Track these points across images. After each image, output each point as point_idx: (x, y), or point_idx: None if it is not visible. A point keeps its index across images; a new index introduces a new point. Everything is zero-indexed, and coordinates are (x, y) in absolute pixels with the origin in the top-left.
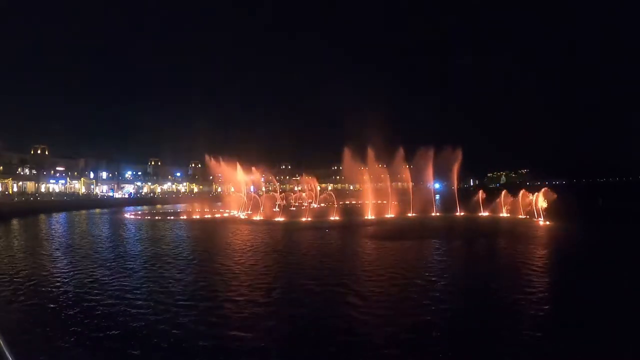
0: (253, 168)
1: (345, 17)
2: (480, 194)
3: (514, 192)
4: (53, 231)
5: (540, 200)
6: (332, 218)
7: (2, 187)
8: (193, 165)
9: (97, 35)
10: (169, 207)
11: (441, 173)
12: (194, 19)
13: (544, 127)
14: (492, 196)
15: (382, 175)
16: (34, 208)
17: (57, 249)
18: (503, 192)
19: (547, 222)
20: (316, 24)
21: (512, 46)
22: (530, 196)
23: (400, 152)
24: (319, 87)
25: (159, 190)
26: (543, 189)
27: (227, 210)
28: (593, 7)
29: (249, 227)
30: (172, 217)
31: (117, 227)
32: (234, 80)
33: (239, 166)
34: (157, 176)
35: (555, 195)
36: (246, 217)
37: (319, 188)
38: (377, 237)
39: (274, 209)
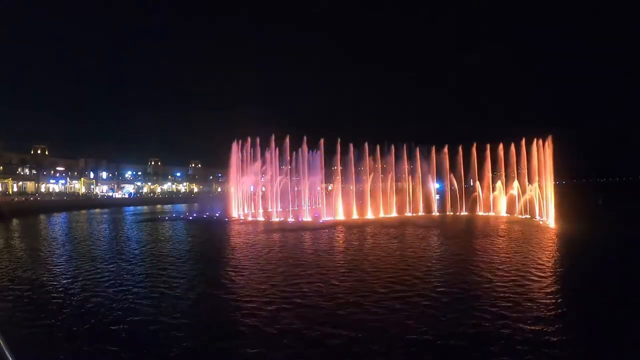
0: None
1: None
2: (477, 194)
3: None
4: (53, 232)
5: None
6: (331, 218)
7: (2, 187)
8: (193, 165)
9: (98, 35)
10: (168, 208)
11: (441, 172)
12: (193, 19)
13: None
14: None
15: (382, 175)
16: (34, 208)
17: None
18: (496, 192)
19: (546, 222)
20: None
21: (512, 45)
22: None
23: (401, 151)
24: (319, 85)
25: (159, 190)
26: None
27: (226, 210)
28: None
29: (247, 228)
30: (169, 218)
31: (115, 228)
32: (233, 79)
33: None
34: (157, 176)
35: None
36: (245, 217)
37: (318, 188)
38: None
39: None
